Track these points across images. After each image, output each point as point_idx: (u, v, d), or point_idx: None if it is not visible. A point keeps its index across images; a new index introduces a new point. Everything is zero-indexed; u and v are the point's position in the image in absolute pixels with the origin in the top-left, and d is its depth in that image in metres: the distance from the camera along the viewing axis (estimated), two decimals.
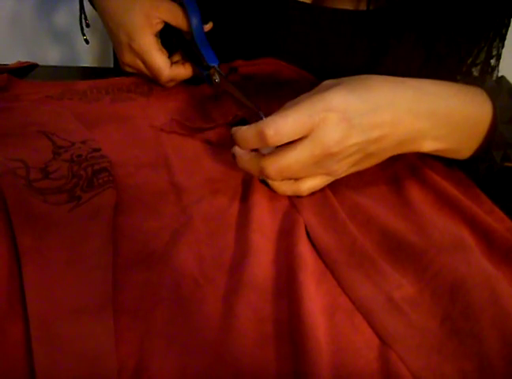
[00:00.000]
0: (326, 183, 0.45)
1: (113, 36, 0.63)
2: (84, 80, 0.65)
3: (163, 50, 0.62)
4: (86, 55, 1.21)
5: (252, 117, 0.52)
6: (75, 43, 1.19)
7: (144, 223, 0.41)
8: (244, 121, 0.52)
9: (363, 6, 0.64)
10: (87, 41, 0.72)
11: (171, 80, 0.64)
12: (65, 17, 1.16)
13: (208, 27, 0.63)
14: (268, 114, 0.48)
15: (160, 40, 0.63)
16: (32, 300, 0.31)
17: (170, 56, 0.64)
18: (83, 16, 0.70)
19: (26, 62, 0.68)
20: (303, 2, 0.66)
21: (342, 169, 0.44)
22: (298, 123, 0.40)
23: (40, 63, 0.70)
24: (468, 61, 0.64)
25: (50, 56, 1.21)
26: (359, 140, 0.41)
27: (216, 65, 0.60)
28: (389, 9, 0.63)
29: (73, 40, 1.19)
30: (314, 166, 0.42)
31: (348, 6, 0.64)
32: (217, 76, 0.59)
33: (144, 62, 0.62)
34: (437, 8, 0.60)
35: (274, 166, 0.41)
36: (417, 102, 0.44)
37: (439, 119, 0.44)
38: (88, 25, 0.71)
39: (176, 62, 0.64)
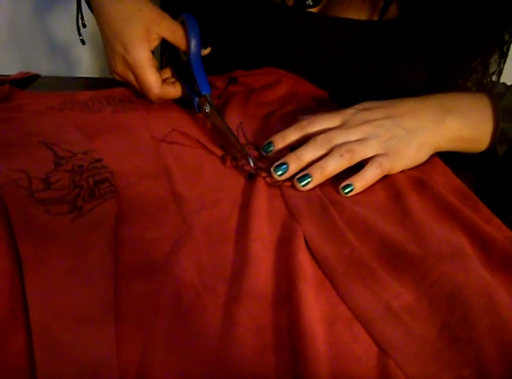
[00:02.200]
0: None
1: (107, 43, 0.61)
2: (86, 90, 0.65)
3: (157, 66, 0.61)
4: (87, 66, 1.21)
5: (237, 154, 0.52)
6: (76, 54, 1.20)
7: (145, 233, 0.41)
8: None
9: (371, 17, 0.65)
10: (83, 41, 0.70)
11: (159, 98, 0.63)
12: (67, 29, 1.17)
13: (206, 51, 0.63)
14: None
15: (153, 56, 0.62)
16: (34, 309, 0.32)
17: (160, 69, 0.63)
18: (80, 16, 0.69)
19: (28, 73, 0.69)
20: (309, 12, 0.66)
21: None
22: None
23: (42, 74, 0.70)
24: (471, 77, 0.65)
25: (51, 67, 1.22)
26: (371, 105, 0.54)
27: (208, 95, 0.58)
28: (400, 20, 0.64)
29: (73, 51, 1.20)
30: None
31: (356, 16, 0.65)
32: (208, 107, 0.57)
33: (135, 76, 0.61)
34: (447, 18, 0.61)
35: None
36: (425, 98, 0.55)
37: (453, 105, 0.53)
38: (84, 25, 0.69)
39: (166, 80, 0.63)
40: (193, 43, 0.60)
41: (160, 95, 0.61)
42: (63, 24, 1.15)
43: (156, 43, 0.60)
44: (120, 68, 0.61)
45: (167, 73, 0.65)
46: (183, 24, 0.61)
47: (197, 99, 0.59)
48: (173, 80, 0.64)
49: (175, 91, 0.62)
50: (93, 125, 0.57)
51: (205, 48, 0.63)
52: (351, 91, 0.67)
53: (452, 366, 0.31)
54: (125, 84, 0.65)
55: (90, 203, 0.42)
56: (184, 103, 0.64)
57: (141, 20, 0.59)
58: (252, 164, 0.50)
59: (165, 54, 0.66)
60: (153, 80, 0.60)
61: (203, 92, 0.58)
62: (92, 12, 0.65)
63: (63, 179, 0.45)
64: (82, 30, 0.70)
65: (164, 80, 0.62)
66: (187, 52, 0.60)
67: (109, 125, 0.57)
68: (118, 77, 0.63)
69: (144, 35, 0.59)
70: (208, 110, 0.57)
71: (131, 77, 0.61)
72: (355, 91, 0.67)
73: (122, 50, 0.59)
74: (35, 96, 0.62)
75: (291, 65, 0.68)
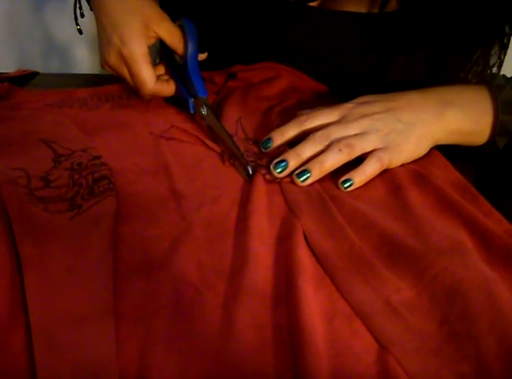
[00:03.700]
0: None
1: (104, 34, 0.59)
2: (84, 87, 0.65)
3: (152, 63, 0.59)
4: (86, 63, 1.21)
5: (234, 158, 0.51)
6: (74, 51, 1.20)
7: (144, 231, 0.41)
8: None
9: (371, 9, 0.64)
10: (80, 31, 0.70)
11: (151, 95, 0.61)
12: (66, 25, 1.17)
13: (203, 56, 0.62)
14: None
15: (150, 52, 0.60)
16: (33, 308, 0.32)
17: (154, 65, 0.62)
18: (78, 5, 0.68)
19: (27, 70, 0.69)
20: (309, 6, 0.66)
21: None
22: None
23: (40, 71, 0.70)
24: (472, 69, 0.65)
25: (49, 64, 1.22)
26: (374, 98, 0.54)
27: (204, 97, 0.57)
28: (400, 13, 0.63)
29: (72, 48, 1.19)
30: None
31: (356, 9, 0.64)
32: (205, 109, 0.56)
33: (130, 71, 0.59)
34: (448, 10, 0.60)
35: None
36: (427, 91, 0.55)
37: (453, 99, 0.53)
38: (82, 15, 0.68)
39: (160, 77, 0.62)
40: (190, 47, 0.59)
41: (152, 91, 0.60)
42: (62, 21, 1.15)
43: (153, 40, 0.60)
44: (114, 61, 0.59)
45: (161, 70, 0.63)
46: (181, 28, 0.60)
47: (192, 99, 0.59)
48: (167, 77, 0.63)
49: (168, 88, 0.61)
50: (92, 122, 0.56)
51: (202, 53, 0.62)
52: (351, 85, 0.67)
53: (452, 362, 0.31)
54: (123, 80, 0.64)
55: (89, 201, 0.42)
56: (175, 103, 0.63)
57: (142, 16, 0.58)
58: (251, 172, 0.49)
59: (160, 51, 0.65)
60: (148, 75, 0.58)
61: (199, 95, 0.58)
62: (89, 2, 0.64)
63: (62, 177, 0.45)
64: (82, 28, 0.69)
65: (158, 77, 0.61)
66: (184, 56, 0.60)
67: (108, 122, 0.57)
68: (109, 70, 0.62)
69: (143, 30, 0.58)
70: (204, 112, 0.57)
71: (125, 71, 0.60)
72: (355, 84, 0.66)
73: (119, 43, 0.58)
74: (33, 94, 0.62)
75: (290, 60, 0.68)
